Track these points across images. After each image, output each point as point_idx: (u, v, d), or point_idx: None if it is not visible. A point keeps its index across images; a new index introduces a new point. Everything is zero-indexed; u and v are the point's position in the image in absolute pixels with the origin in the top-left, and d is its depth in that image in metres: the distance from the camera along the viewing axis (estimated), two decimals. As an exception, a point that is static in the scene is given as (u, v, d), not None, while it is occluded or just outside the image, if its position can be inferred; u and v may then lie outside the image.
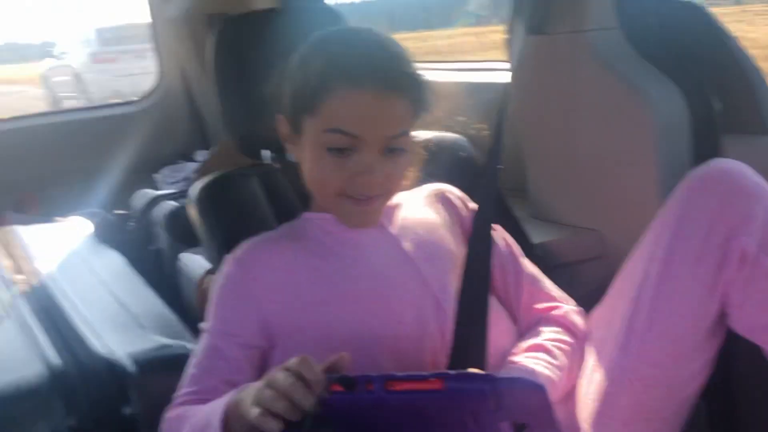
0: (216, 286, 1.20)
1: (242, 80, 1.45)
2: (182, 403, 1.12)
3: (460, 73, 2.43)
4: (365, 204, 1.16)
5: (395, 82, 1.10)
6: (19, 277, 1.78)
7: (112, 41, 11.13)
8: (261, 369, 1.16)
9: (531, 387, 0.93)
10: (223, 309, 1.18)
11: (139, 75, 7.31)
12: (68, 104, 10.89)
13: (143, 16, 3.14)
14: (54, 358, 1.36)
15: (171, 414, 1.12)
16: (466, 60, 2.60)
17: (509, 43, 1.77)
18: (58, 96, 11.86)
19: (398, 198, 1.27)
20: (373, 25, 1.20)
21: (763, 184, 1.13)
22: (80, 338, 1.44)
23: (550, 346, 1.20)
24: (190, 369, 1.16)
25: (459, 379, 0.90)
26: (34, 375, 1.31)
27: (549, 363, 1.17)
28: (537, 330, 1.24)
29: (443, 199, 1.33)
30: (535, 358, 1.17)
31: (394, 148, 1.13)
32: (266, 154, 1.45)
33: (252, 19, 1.62)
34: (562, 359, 1.19)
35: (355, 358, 0.95)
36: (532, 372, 1.14)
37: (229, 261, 1.20)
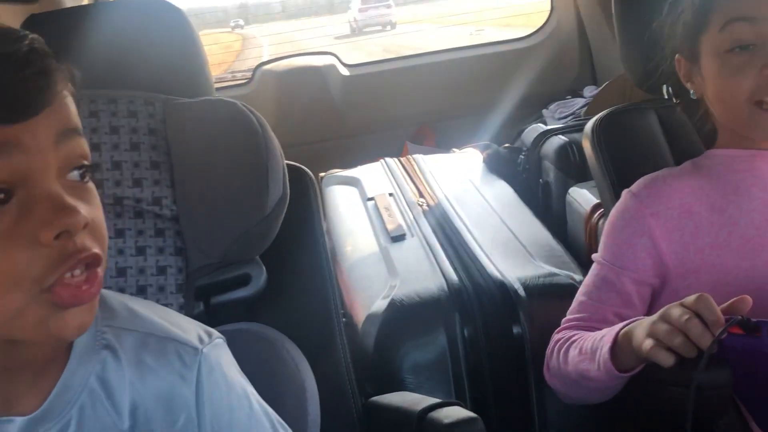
0: (611, 219, 1.21)
1: (643, 12, 1.41)
2: (570, 327, 1.17)
3: None
4: None
5: None
6: (421, 200, 1.97)
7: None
8: (650, 307, 1.16)
9: None
10: (617, 242, 1.18)
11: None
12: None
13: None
14: (452, 273, 1.50)
15: (559, 335, 1.17)
16: None
17: None
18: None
19: None
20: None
21: None
22: (476, 258, 1.56)
23: None
24: (580, 296, 1.20)
25: None
26: (435, 286, 1.45)
27: None
28: None
29: None
30: None
31: None
32: (666, 89, 1.41)
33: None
34: None
35: (754, 305, 0.91)
36: None
37: (626, 195, 1.20)
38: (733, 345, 0.88)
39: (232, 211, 1.05)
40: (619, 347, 1.01)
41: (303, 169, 1.21)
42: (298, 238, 1.17)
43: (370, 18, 17.56)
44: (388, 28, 17.32)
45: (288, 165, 1.13)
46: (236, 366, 0.84)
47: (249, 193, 1.06)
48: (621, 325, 1.03)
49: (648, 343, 0.92)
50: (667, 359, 0.90)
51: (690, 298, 0.91)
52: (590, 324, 1.15)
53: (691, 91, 1.21)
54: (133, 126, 1.08)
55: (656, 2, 1.35)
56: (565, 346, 1.13)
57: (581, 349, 1.09)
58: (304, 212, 1.18)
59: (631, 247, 1.16)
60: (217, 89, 2.82)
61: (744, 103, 1.09)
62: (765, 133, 1.13)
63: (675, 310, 0.91)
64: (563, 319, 1.20)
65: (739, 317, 0.88)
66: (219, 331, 0.85)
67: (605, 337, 1.04)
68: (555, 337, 1.18)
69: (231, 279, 1.09)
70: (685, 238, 1.14)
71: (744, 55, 1.08)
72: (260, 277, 1.10)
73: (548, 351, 1.18)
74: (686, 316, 0.89)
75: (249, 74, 3.06)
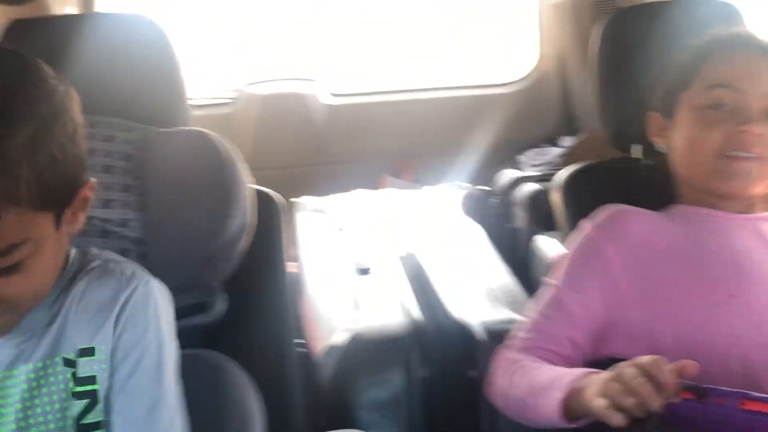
0: (571, 246, 1.24)
1: (624, 72, 1.45)
2: (522, 349, 1.17)
3: None
4: (744, 161, 1.15)
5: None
6: (391, 234, 1.98)
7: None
8: (602, 338, 1.17)
9: None
10: (573, 266, 1.21)
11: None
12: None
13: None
14: (416, 313, 1.51)
15: (510, 354, 1.17)
16: None
17: None
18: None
19: None
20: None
21: None
22: (439, 299, 1.57)
23: None
24: (532, 314, 1.21)
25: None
26: (398, 324, 1.46)
27: None
28: None
29: None
30: None
31: None
32: (637, 149, 1.44)
33: (642, 10, 1.60)
34: None
35: (703, 358, 0.94)
36: None
37: (587, 225, 1.24)
38: (682, 410, 0.89)
39: (196, 237, 1.08)
40: (571, 398, 1.02)
41: (271, 195, 1.22)
42: (260, 265, 1.18)
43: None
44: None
45: (257, 190, 1.15)
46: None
47: (213, 220, 1.08)
48: (574, 376, 1.04)
49: (600, 403, 0.93)
50: (617, 420, 0.91)
51: (644, 359, 0.93)
52: (540, 345, 1.16)
53: (661, 146, 1.28)
54: (108, 149, 1.11)
55: (639, 66, 1.39)
56: (515, 369, 1.13)
57: (531, 384, 1.09)
58: (269, 239, 1.20)
59: (587, 273, 1.19)
60: (201, 106, 2.84)
61: (711, 154, 1.17)
62: (725, 184, 1.18)
63: (628, 371, 0.92)
64: (512, 338, 1.21)
65: (691, 383, 0.90)
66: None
67: (556, 383, 1.04)
68: (505, 354, 1.18)
69: (192, 305, 1.10)
70: (644, 269, 1.16)
71: (720, 113, 1.17)
72: (220, 303, 1.11)
73: (495, 367, 1.19)
74: (639, 378, 0.90)
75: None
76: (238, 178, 1.11)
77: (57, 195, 0.85)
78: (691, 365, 0.92)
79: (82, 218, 0.91)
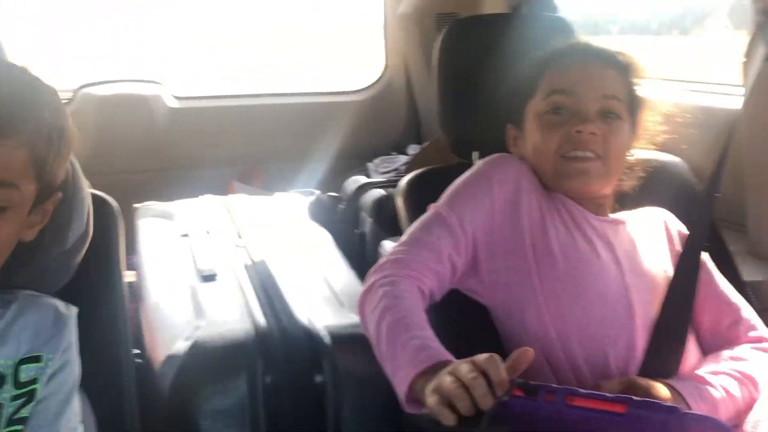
0: (461, 177, 1.30)
1: (463, 81, 1.50)
2: (400, 266, 1.20)
3: (689, 93, 2.33)
4: (582, 161, 1.24)
5: (603, 54, 1.31)
6: (239, 241, 1.94)
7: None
8: (475, 269, 1.25)
9: (718, 428, 0.90)
10: (461, 194, 1.28)
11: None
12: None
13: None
14: (260, 318, 1.48)
15: (383, 277, 1.19)
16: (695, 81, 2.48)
17: (746, 68, 1.68)
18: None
19: (622, 215, 1.33)
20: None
21: None
22: (286, 305, 1.54)
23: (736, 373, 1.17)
24: (413, 231, 1.26)
25: (643, 406, 0.89)
26: (242, 330, 1.43)
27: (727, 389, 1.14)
28: (727, 354, 1.21)
29: (664, 224, 1.34)
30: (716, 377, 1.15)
31: (609, 111, 1.26)
32: (476, 155, 1.49)
33: (481, 22, 1.66)
34: (738, 390, 1.15)
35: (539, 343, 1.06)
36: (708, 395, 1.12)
37: (481, 161, 1.32)
38: (513, 407, 0.93)
39: (34, 245, 1.03)
40: (416, 386, 1.03)
41: (108, 200, 1.17)
42: (95, 273, 1.12)
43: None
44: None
45: (93, 195, 1.09)
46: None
47: (51, 228, 1.04)
48: (428, 363, 1.03)
49: (433, 400, 0.94)
50: (448, 418, 0.92)
51: (480, 357, 0.95)
52: (420, 260, 1.20)
53: (517, 155, 1.36)
54: None
55: (478, 75, 1.45)
56: (384, 306, 1.14)
57: (395, 342, 1.09)
58: (105, 246, 1.15)
59: (473, 202, 1.26)
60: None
61: (552, 156, 1.27)
62: (567, 184, 1.28)
63: (463, 367, 0.95)
64: (391, 249, 1.25)
65: (522, 381, 0.93)
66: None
67: (416, 356, 1.05)
68: (377, 276, 1.20)
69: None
70: (516, 218, 1.25)
71: (559, 116, 1.27)
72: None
73: (369, 284, 1.20)
74: (473, 375, 0.93)
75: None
76: (80, 185, 1.07)
77: (46, 175, 0.95)
78: (528, 352, 0.96)
79: (36, 230, 0.99)
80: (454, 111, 1.49)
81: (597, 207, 1.31)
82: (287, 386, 1.39)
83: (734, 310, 1.27)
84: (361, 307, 1.20)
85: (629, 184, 1.36)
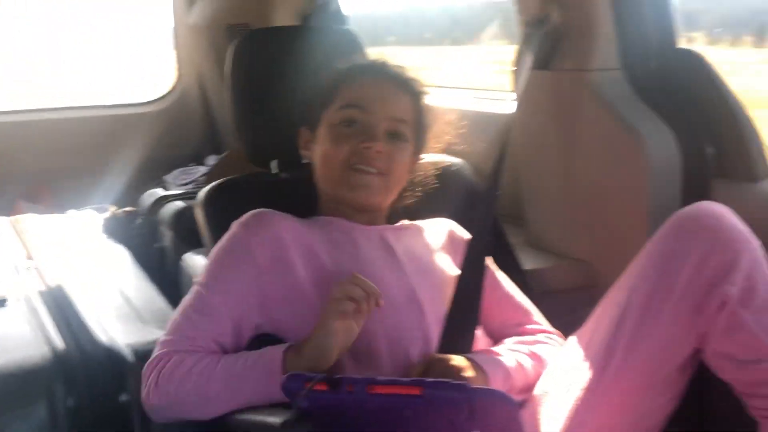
0: (218, 246, 1.29)
1: (256, 91, 1.53)
2: (178, 351, 1.18)
3: (469, 100, 2.50)
4: (366, 175, 1.30)
5: (399, 77, 1.38)
6: (29, 263, 1.84)
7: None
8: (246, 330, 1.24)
9: (504, 400, 0.99)
10: (218, 266, 1.26)
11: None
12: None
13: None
14: (58, 341, 1.42)
15: (163, 356, 1.18)
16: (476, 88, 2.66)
17: (516, 76, 1.83)
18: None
19: (406, 224, 1.41)
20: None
21: (747, 232, 1.17)
22: (84, 325, 1.49)
23: (521, 351, 1.30)
24: (177, 316, 1.24)
25: (437, 386, 0.97)
26: (38, 355, 1.37)
27: (517, 360, 1.27)
28: (515, 338, 1.35)
29: (448, 233, 1.43)
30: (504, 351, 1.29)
31: (396, 132, 1.33)
32: (274, 164, 1.53)
33: (271, 34, 1.69)
34: (527, 362, 1.29)
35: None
36: (502, 365, 1.24)
37: (234, 225, 1.30)
38: (319, 400, 0.97)
39: None
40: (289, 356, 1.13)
41: None
42: None
43: None
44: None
45: None
46: None
47: None
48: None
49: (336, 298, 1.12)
50: (347, 306, 1.10)
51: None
52: (187, 349, 1.19)
53: (307, 158, 1.41)
54: None
55: (269, 86, 1.48)
56: (177, 370, 1.16)
57: (229, 369, 1.15)
58: None
59: (233, 270, 1.25)
60: None
61: (339, 166, 1.31)
62: (351, 194, 1.32)
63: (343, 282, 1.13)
64: (161, 341, 1.21)
65: (323, 375, 0.98)
66: None
67: (263, 355, 1.15)
68: (154, 362, 1.18)
69: None
70: (285, 269, 1.25)
71: (350, 129, 1.32)
72: None
73: (147, 375, 1.18)
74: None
75: None
76: None
77: None
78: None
79: None
80: (249, 121, 1.51)
81: (373, 217, 1.37)
82: (91, 408, 1.35)
83: (520, 310, 1.40)
84: (150, 392, 1.17)
85: (410, 199, 1.43)
